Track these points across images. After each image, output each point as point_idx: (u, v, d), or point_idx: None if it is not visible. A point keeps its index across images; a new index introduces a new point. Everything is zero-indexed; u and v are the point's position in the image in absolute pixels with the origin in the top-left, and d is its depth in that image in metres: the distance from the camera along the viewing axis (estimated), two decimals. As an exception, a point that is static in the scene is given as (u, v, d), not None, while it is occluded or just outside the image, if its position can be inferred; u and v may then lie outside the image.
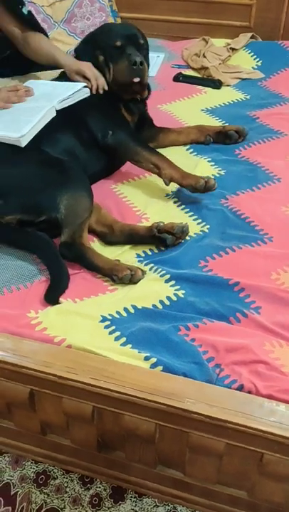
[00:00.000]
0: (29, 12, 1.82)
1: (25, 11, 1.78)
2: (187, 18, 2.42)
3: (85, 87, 1.59)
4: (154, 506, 1.23)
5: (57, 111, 1.49)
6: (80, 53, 1.72)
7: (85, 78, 1.61)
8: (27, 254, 1.29)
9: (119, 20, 2.50)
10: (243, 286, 1.15)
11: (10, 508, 1.24)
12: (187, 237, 1.33)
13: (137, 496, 1.25)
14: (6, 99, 1.52)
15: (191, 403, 0.88)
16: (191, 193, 1.44)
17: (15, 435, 1.25)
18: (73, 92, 1.54)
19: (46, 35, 1.90)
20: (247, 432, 0.87)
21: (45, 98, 1.51)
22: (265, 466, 0.92)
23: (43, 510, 1.23)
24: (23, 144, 1.37)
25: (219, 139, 1.71)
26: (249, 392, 0.93)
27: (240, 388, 0.94)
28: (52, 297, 1.16)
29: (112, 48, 1.59)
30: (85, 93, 1.57)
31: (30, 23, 1.80)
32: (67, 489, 1.27)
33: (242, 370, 0.97)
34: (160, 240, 1.28)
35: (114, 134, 1.52)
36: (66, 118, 1.48)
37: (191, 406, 0.88)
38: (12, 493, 1.26)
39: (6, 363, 0.96)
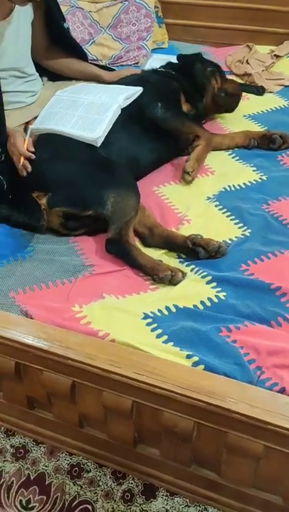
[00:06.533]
0: (68, 28, 1.89)
1: (66, 25, 1.84)
2: (232, 24, 2.43)
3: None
4: (186, 506, 1.24)
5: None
6: (185, 58, 1.91)
7: None
8: (71, 250, 1.33)
9: (164, 27, 2.53)
10: (285, 291, 1.15)
11: (44, 497, 1.27)
12: (228, 241, 1.34)
13: (168, 494, 1.26)
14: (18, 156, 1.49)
15: (232, 403, 0.88)
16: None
17: (52, 426, 1.28)
18: (134, 90, 1.62)
19: (82, 51, 1.94)
20: (287, 435, 0.87)
21: (106, 94, 1.58)
22: (304, 472, 0.91)
23: (76, 501, 1.26)
24: (99, 143, 1.44)
25: (263, 143, 1.72)
26: (291, 395, 0.93)
27: (282, 391, 0.95)
28: None
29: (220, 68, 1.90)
30: (139, 92, 1.66)
31: (68, 37, 1.86)
32: (100, 483, 1.29)
33: (283, 374, 0.97)
34: (193, 252, 1.29)
35: (163, 107, 1.62)
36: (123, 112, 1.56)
37: (233, 405, 0.88)
38: (47, 482, 1.30)
39: (51, 353, 1.00)
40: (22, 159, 1.43)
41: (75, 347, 0.99)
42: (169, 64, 1.91)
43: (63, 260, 1.30)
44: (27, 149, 1.45)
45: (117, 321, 1.08)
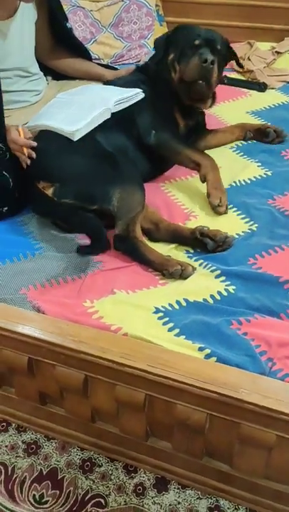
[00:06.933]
0: (71, 28, 1.89)
1: (68, 25, 1.85)
2: (232, 22, 2.44)
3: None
4: (197, 498, 1.25)
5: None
6: (157, 46, 1.72)
7: None
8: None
9: (165, 25, 2.55)
10: (294, 284, 1.16)
11: (57, 491, 1.28)
12: (235, 235, 1.35)
13: (180, 487, 1.27)
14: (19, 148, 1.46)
15: (245, 393, 0.90)
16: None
17: (64, 421, 1.29)
18: (130, 94, 1.57)
19: (86, 50, 1.94)
20: (301, 425, 0.88)
21: (102, 98, 1.56)
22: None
23: (89, 495, 1.27)
24: (76, 138, 1.41)
25: (257, 136, 1.77)
26: (303, 386, 0.95)
27: (294, 382, 0.96)
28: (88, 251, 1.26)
29: (186, 47, 1.57)
30: (140, 96, 1.59)
31: (71, 37, 1.87)
32: (112, 477, 1.30)
33: (295, 365, 0.98)
34: (202, 243, 1.30)
35: (157, 134, 1.55)
36: (120, 116, 1.52)
37: (246, 396, 0.90)
38: (59, 477, 1.31)
39: (65, 347, 1.01)
40: (25, 150, 1.42)
41: (88, 341, 1.00)
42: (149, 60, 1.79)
43: (72, 257, 1.31)
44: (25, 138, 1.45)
45: (129, 315, 1.10)
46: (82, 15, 2.43)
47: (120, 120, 1.52)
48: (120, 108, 1.54)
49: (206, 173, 1.49)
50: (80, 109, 1.52)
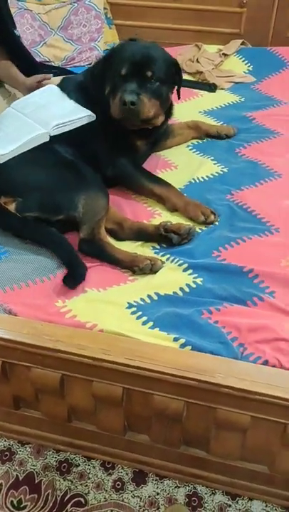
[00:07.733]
0: (19, 36, 1.87)
1: (17, 33, 1.83)
2: (180, 25, 2.51)
3: None
4: (175, 487, 1.28)
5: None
6: (96, 67, 1.64)
7: None
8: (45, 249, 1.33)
9: (114, 28, 2.57)
10: (257, 272, 1.22)
11: (36, 495, 1.27)
12: (198, 230, 1.40)
13: (158, 478, 1.30)
14: None
15: (221, 378, 0.94)
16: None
17: (38, 424, 1.28)
18: (78, 117, 1.49)
19: (30, 55, 1.91)
20: (274, 403, 0.93)
21: (47, 117, 1.49)
22: (289, 437, 0.98)
23: (68, 496, 1.27)
24: (2, 161, 1.38)
25: (210, 137, 1.86)
26: (274, 366, 1.00)
27: (265, 364, 1.01)
28: (71, 284, 1.21)
29: (116, 76, 1.47)
30: (90, 118, 1.51)
31: (18, 44, 1.84)
32: (90, 475, 1.31)
33: (265, 348, 1.03)
34: (166, 238, 1.34)
35: (115, 169, 1.53)
36: (74, 133, 1.48)
37: (222, 380, 0.94)
38: (36, 481, 1.30)
39: (41, 348, 1.01)
40: None
41: (64, 339, 1.01)
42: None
43: (40, 259, 1.30)
44: None
45: (103, 312, 1.11)
46: (30, 18, 2.41)
47: (75, 138, 1.48)
48: (63, 131, 1.46)
49: (173, 204, 1.47)
50: (20, 128, 1.48)
